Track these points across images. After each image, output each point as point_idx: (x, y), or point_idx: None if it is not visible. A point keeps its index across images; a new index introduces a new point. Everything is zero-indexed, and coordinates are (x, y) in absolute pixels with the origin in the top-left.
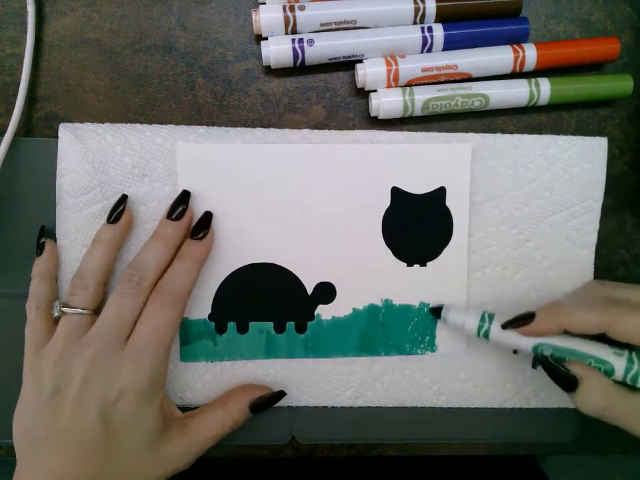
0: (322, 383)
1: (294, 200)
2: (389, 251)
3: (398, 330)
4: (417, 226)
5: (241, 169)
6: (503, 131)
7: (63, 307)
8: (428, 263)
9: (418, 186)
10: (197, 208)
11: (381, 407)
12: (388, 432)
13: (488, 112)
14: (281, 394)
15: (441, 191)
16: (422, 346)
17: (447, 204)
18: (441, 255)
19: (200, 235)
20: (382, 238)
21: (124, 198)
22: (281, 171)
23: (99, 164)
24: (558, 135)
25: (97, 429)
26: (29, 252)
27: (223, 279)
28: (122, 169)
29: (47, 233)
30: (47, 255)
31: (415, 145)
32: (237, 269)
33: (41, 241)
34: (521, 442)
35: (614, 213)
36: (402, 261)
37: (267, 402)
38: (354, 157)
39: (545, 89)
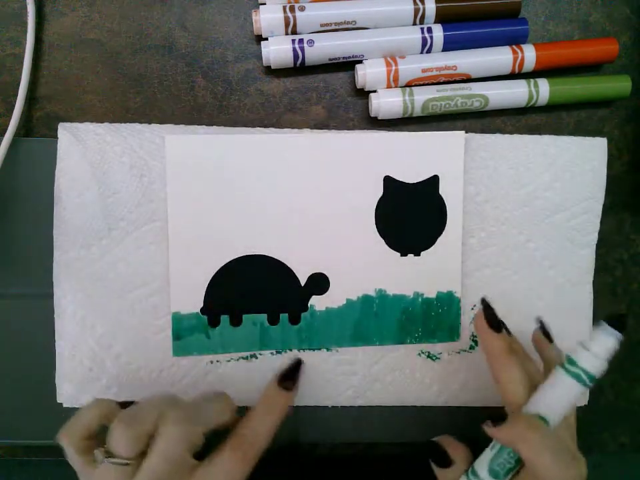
0: (322, 383)
1: (285, 191)
2: (382, 241)
3: (392, 320)
4: (410, 215)
5: (231, 160)
6: (502, 132)
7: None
8: (422, 253)
9: (411, 175)
10: (186, 199)
11: (381, 406)
12: (388, 432)
13: (487, 112)
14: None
15: (434, 180)
16: (416, 335)
17: (440, 192)
18: (435, 244)
19: (290, 385)
20: (375, 228)
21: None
22: (272, 162)
23: (98, 164)
24: (557, 135)
25: None
26: (29, 252)
27: (215, 271)
28: (121, 169)
29: (47, 232)
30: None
31: (407, 133)
32: (229, 262)
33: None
34: None
35: (612, 213)
36: (396, 250)
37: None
38: (345, 146)
39: (543, 90)
